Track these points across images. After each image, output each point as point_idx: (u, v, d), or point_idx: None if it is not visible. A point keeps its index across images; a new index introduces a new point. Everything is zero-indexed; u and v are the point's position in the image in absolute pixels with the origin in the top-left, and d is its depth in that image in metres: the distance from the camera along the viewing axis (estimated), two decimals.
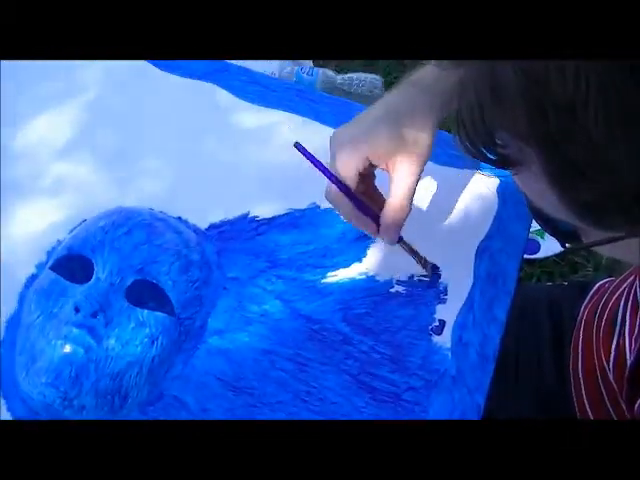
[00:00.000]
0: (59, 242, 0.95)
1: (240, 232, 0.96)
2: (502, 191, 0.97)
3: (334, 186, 0.83)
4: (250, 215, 0.97)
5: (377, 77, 2.10)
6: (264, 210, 0.98)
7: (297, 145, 0.86)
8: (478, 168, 0.99)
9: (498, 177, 0.98)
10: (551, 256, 1.86)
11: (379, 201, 0.86)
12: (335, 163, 0.83)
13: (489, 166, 0.95)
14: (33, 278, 0.93)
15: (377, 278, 0.92)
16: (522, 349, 1.01)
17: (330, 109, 1.06)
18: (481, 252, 0.94)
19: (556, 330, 1.07)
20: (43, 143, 1.06)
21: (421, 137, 0.82)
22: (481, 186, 0.98)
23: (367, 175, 0.86)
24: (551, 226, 0.64)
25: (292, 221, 0.97)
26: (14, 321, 0.90)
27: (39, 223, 0.99)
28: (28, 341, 0.85)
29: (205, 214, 0.98)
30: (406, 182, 0.82)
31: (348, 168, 0.83)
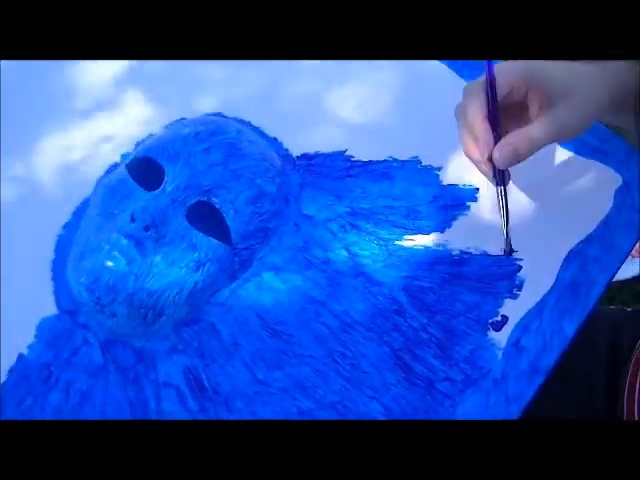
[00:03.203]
0: (150, 136, 0.95)
1: (330, 169, 0.93)
2: (620, 196, 0.89)
3: (480, 81, 0.79)
4: (347, 153, 0.94)
5: None
6: (362, 151, 0.94)
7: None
8: (606, 163, 0.91)
9: (622, 178, 0.90)
10: (614, 282, 1.75)
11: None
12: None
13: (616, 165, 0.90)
14: (115, 167, 0.94)
15: (453, 254, 0.87)
16: (573, 370, 0.95)
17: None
18: (574, 255, 0.86)
19: (613, 355, 1.00)
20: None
21: (593, 104, 0.77)
22: (599, 183, 0.90)
23: (517, 108, 0.80)
24: None
25: (387, 170, 0.92)
26: (83, 207, 0.92)
27: (139, 112, 1.00)
28: (84, 234, 0.86)
29: (302, 141, 0.95)
30: (552, 124, 0.76)
31: (507, 73, 0.78)
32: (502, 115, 0.79)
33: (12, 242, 0.92)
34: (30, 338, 0.86)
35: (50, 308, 0.88)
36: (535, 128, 0.77)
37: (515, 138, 0.77)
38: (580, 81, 0.77)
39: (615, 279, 0.87)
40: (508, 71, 0.78)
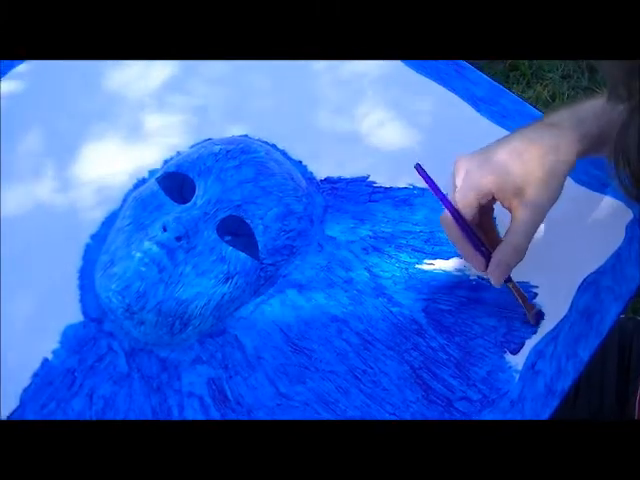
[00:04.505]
0: (178, 154, 0.97)
1: (353, 193, 0.96)
2: (631, 229, 0.92)
3: (449, 213, 0.82)
4: (369, 179, 0.96)
5: None
6: (384, 178, 0.97)
7: (417, 167, 0.84)
8: (617, 198, 0.95)
9: (632, 213, 0.93)
10: None
11: (493, 236, 0.85)
12: (456, 191, 0.82)
13: (627, 200, 0.93)
14: (142, 182, 0.96)
15: (471, 279, 0.89)
16: (584, 380, 0.98)
17: (485, 94, 1.03)
18: (587, 284, 0.89)
19: (623, 364, 1.04)
20: None
21: (552, 180, 0.80)
22: (611, 217, 0.93)
23: (486, 208, 0.84)
24: None
25: (408, 197, 0.95)
26: (111, 218, 0.93)
27: (164, 133, 1.02)
28: (114, 244, 0.87)
29: (326, 166, 0.97)
30: (528, 225, 0.80)
31: (469, 200, 0.81)
32: (480, 219, 0.85)
33: (40, 250, 0.93)
34: (54, 344, 0.87)
35: (76, 316, 0.89)
36: (514, 237, 0.81)
37: (501, 255, 0.82)
38: (538, 163, 0.80)
39: None
40: (468, 190, 0.82)
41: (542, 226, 0.91)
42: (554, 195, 0.81)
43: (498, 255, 0.82)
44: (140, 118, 1.04)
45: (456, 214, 0.82)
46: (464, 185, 0.81)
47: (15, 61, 1.08)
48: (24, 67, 1.08)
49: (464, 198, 0.81)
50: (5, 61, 1.07)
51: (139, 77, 1.07)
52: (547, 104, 2.15)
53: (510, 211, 0.82)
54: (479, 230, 0.84)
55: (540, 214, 0.80)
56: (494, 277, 0.82)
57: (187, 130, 1.02)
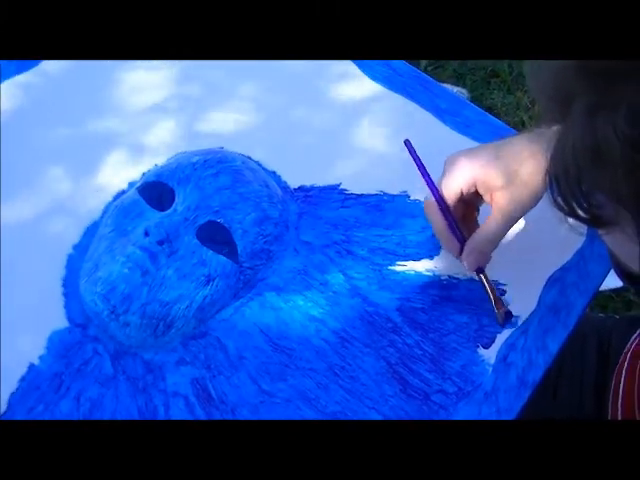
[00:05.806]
0: (155, 166, 1.00)
1: (326, 200, 0.99)
2: (592, 229, 0.96)
3: (433, 197, 0.87)
4: (341, 187, 1.00)
5: (463, 90, 2.11)
6: (355, 185, 1.00)
7: (407, 142, 0.88)
8: None
9: None
10: (607, 290, 1.81)
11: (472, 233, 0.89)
12: (442, 178, 0.87)
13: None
14: (122, 193, 0.99)
15: (442, 279, 0.93)
16: (565, 373, 1.01)
17: (449, 106, 1.07)
18: (553, 280, 0.93)
19: (602, 360, 1.07)
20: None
21: (533, 185, 0.84)
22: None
23: (470, 202, 0.89)
24: (633, 282, 0.64)
25: (379, 203, 0.99)
26: (93, 229, 0.96)
27: (141, 148, 1.05)
28: (97, 251, 0.90)
29: (299, 175, 1.01)
30: (506, 217, 0.85)
31: (452, 185, 0.86)
32: (463, 208, 0.89)
33: (24, 260, 0.95)
34: (40, 350, 0.89)
35: (61, 322, 0.91)
36: (490, 226, 0.87)
37: (475, 243, 0.88)
38: (521, 165, 0.85)
39: (607, 288, 0.93)
40: (454, 176, 0.87)
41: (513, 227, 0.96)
42: (536, 196, 0.85)
43: (473, 242, 0.86)
44: (115, 131, 1.06)
45: (438, 196, 0.86)
46: (450, 172, 0.86)
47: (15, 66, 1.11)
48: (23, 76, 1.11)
49: (448, 182, 0.86)
50: (4, 65, 1.10)
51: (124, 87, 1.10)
52: (527, 110, 2.22)
53: (491, 205, 0.86)
54: (461, 222, 0.89)
55: (519, 211, 0.85)
56: (467, 263, 0.87)
57: (163, 143, 1.04)
